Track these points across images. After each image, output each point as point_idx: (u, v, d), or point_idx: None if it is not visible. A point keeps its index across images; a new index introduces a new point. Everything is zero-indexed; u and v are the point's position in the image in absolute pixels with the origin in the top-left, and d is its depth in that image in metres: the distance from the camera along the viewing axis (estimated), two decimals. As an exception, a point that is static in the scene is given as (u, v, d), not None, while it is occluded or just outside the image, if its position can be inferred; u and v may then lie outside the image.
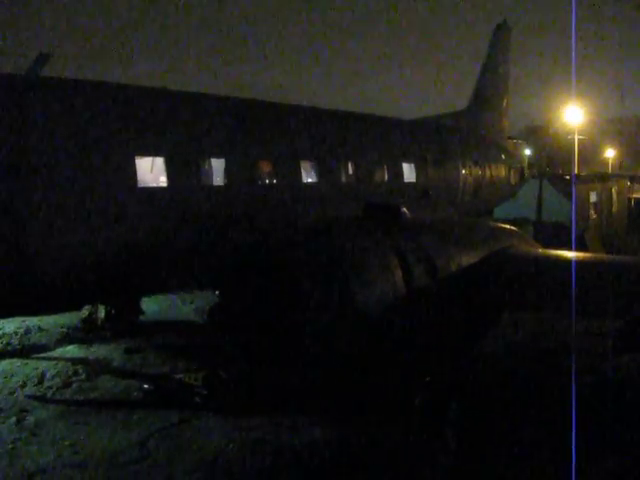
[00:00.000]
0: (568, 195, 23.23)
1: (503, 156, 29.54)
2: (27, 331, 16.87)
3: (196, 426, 11.11)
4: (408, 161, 20.14)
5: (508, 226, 15.91)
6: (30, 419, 11.45)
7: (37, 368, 14.02)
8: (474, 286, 12.60)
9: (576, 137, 55.78)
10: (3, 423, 11.28)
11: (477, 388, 11.89)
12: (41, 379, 13.33)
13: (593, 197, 26.34)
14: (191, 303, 19.59)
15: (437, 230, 13.58)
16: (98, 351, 15.28)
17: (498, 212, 24.63)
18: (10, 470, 9.65)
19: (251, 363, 12.02)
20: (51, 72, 12.01)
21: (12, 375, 13.59)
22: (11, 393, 12.62)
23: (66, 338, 16.35)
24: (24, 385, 13.02)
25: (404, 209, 13.73)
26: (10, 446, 10.41)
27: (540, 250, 14.87)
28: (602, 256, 17.90)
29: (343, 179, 17.32)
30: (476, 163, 25.17)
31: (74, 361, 14.50)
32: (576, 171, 48.31)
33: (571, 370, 10.97)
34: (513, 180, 29.38)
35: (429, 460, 9.81)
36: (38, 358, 14.85)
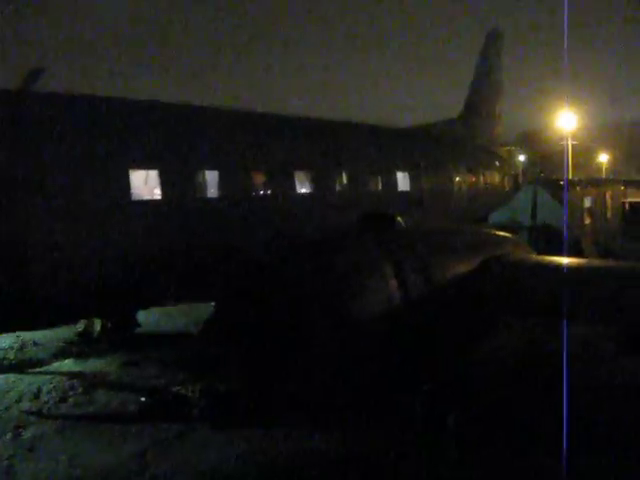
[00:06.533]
0: (562, 200, 23.19)
1: (497, 163, 29.68)
2: (23, 346, 16.82)
3: (193, 438, 11.08)
4: (402, 169, 20.22)
5: (503, 233, 15.93)
6: (26, 434, 11.40)
7: (33, 383, 13.96)
8: (470, 293, 12.62)
9: (569, 142, 55.98)
10: (-1, 439, 11.24)
11: (474, 395, 11.90)
12: (37, 394, 13.27)
13: (587, 202, 26.28)
14: (187, 315, 19.56)
15: (432, 238, 13.60)
16: (94, 365, 15.23)
17: (493, 218, 24.62)
18: (7, 486, 9.61)
19: (247, 375, 11.99)
20: (45, 87, 12.04)
21: (8, 390, 13.53)
22: (7, 408, 12.56)
23: (62, 352, 16.30)
24: (20, 400, 12.96)
25: (399, 218, 13.77)
26: (6, 462, 10.34)
27: (535, 256, 14.90)
28: (597, 261, 17.92)
29: (337, 188, 17.37)
30: (470, 170, 25.28)
31: (70, 375, 14.45)
32: (570, 176, 48.39)
33: (567, 375, 10.99)
34: (507, 186, 29.51)
35: (429, 468, 9.80)
36: (34, 373, 14.80)
